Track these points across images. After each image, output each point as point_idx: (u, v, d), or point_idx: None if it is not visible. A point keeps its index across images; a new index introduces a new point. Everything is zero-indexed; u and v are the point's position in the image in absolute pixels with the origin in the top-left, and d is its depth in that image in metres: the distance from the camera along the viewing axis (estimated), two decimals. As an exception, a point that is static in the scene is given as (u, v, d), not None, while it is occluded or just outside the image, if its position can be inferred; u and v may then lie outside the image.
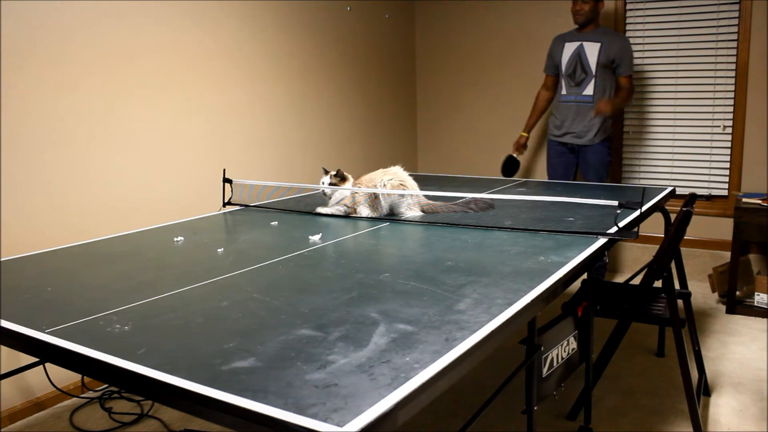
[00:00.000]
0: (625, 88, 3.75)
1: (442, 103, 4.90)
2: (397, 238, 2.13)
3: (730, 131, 3.95)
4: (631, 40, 4.14)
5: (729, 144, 3.96)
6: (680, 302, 2.38)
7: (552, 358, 1.74)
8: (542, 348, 1.67)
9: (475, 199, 2.55)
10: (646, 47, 4.11)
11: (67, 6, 2.62)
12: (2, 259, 2.01)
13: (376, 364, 1.12)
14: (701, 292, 3.86)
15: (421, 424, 2.42)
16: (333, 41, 4.09)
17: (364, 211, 2.44)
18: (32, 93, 2.54)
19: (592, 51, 3.71)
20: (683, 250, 3.57)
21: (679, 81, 4.06)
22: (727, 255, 3.84)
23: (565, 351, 1.82)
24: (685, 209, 2.21)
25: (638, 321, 2.44)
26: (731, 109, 3.92)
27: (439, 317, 1.35)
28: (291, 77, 3.78)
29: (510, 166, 4.19)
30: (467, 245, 1.97)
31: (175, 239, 2.19)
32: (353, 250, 1.99)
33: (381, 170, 2.50)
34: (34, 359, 2.17)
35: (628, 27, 4.15)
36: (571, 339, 1.87)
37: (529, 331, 1.61)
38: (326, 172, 2.56)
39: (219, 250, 2.03)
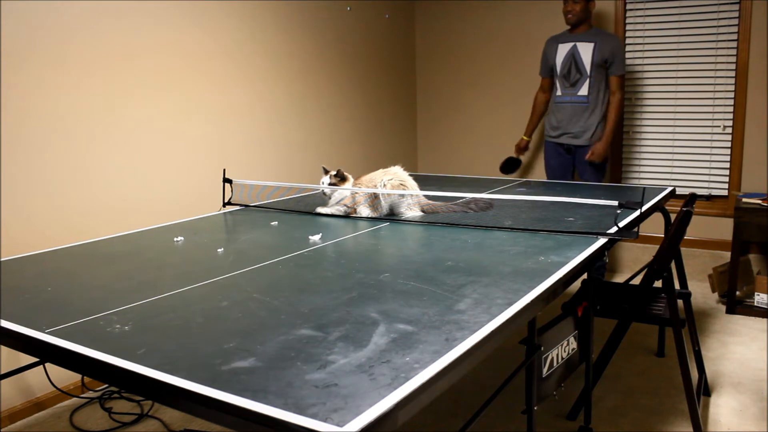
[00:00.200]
0: (614, 96, 3.74)
1: (442, 103, 4.90)
2: (397, 238, 2.13)
3: (730, 131, 3.95)
4: (631, 40, 4.15)
5: (729, 144, 3.96)
6: (680, 302, 2.38)
7: (552, 358, 1.74)
8: (542, 348, 1.66)
9: (475, 199, 2.55)
10: (646, 47, 4.11)
11: (67, 6, 2.62)
12: (2, 259, 2.01)
13: (376, 364, 1.12)
14: (701, 292, 3.86)
15: (421, 424, 2.42)
16: (333, 41, 4.09)
17: (364, 211, 2.44)
18: (32, 93, 2.54)
19: (585, 51, 3.71)
20: (683, 250, 3.57)
21: (679, 81, 4.06)
22: (727, 255, 3.84)
23: (565, 351, 1.82)
24: (685, 209, 2.21)
25: (638, 321, 2.44)
26: (731, 109, 3.92)
27: (439, 317, 1.35)
28: (291, 77, 3.78)
29: (510, 165, 4.21)
30: (467, 245, 1.97)
31: (175, 239, 2.19)
32: (353, 250, 1.99)
33: (381, 170, 2.50)
34: (34, 359, 2.17)
35: (628, 27, 4.15)
36: (571, 339, 1.87)
37: (529, 331, 1.61)
38: (326, 172, 2.56)
39: (219, 250, 2.03)
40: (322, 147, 4.08)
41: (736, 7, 3.80)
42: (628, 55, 4.17)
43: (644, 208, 2.05)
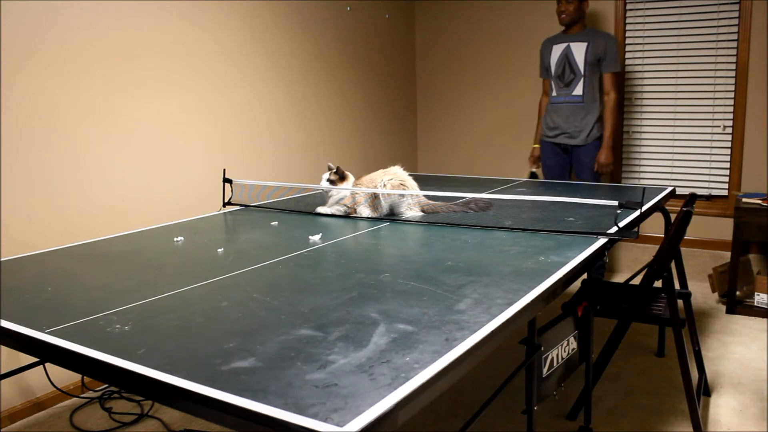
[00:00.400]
0: (609, 97, 3.72)
1: (442, 103, 4.90)
2: (397, 238, 2.13)
3: (730, 131, 3.95)
4: (631, 40, 4.15)
5: (729, 144, 3.96)
6: (680, 302, 2.38)
7: (552, 358, 1.74)
8: (542, 348, 1.66)
9: (475, 199, 2.55)
10: (646, 47, 4.11)
11: (67, 6, 2.62)
12: (2, 259, 2.01)
13: (376, 364, 1.12)
14: (701, 292, 3.86)
15: (421, 424, 2.42)
16: (333, 41, 4.09)
17: (365, 211, 2.44)
18: (32, 93, 2.54)
19: (579, 51, 3.72)
20: (683, 250, 3.57)
21: (679, 81, 4.06)
22: (727, 255, 3.84)
23: (565, 351, 1.82)
24: (685, 209, 2.21)
25: (638, 321, 2.44)
26: (731, 109, 3.93)
27: (439, 317, 1.35)
28: (291, 77, 3.78)
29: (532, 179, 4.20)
30: (467, 245, 1.97)
31: (175, 239, 2.19)
32: (353, 250, 1.99)
33: (381, 170, 2.50)
34: (34, 359, 2.17)
35: (628, 27, 4.15)
36: (571, 339, 1.87)
37: (529, 331, 1.61)
38: (329, 169, 2.57)
39: (219, 250, 2.03)
40: (322, 147, 4.08)
41: (736, 7, 3.80)
42: (628, 55, 4.17)
43: (644, 208, 2.05)
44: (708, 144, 4.04)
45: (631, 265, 4.32)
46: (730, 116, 3.94)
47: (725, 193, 4.02)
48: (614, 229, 2.05)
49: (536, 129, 4.08)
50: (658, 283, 2.28)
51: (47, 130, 2.59)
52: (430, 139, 5.01)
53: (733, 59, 3.86)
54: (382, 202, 2.42)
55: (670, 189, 2.90)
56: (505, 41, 4.57)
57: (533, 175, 4.09)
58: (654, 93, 4.15)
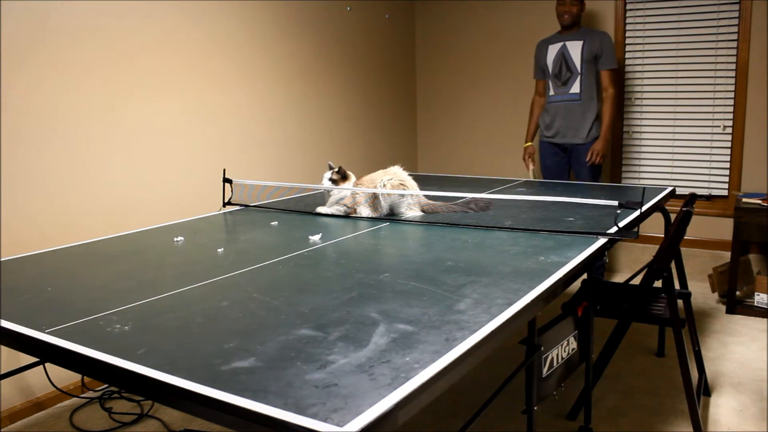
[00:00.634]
0: (607, 92, 3.73)
1: (442, 103, 4.90)
2: (397, 238, 2.13)
3: (730, 131, 3.95)
4: (631, 40, 4.15)
5: (729, 144, 3.96)
6: (680, 302, 2.38)
7: (552, 358, 1.74)
8: (542, 348, 1.66)
9: (475, 199, 2.55)
10: (646, 47, 4.11)
11: (67, 6, 2.62)
12: (2, 259, 2.01)
13: (376, 364, 1.12)
14: (701, 292, 3.86)
15: (421, 424, 2.42)
16: (333, 41, 4.09)
17: (365, 211, 2.44)
18: (32, 93, 2.54)
19: (575, 49, 3.73)
20: (683, 250, 3.57)
21: (679, 81, 4.06)
22: (727, 255, 3.83)
23: (565, 351, 1.82)
24: (685, 209, 2.21)
25: (638, 321, 2.44)
26: (731, 109, 3.92)
27: (439, 317, 1.35)
28: (291, 77, 3.78)
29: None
30: (467, 245, 1.97)
31: (175, 239, 2.19)
32: (353, 250, 1.99)
33: (381, 171, 2.50)
34: (34, 359, 2.17)
35: (628, 27, 4.15)
36: (571, 339, 1.87)
37: (529, 331, 1.61)
38: (330, 168, 2.57)
39: (219, 250, 2.03)
40: (322, 147, 4.08)
41: (736, 7, 3.80)
42: (627, 55, 4.17)
43: (644, 208, 2.05)
44: (708, 144, 4.04)
45: (631, 265, 4.32)
46: (730, 116, 3.94)
47: (725, 193, 4.02)
48: (614, 229, 2.05)
49: (528, 128, 4.09)
50: (658, 283, 2.28)
51: (47, 130, 2.59)
52: (430, 139, 5.01)
53: (733, 59, 3.86)
54: (382, 202, 2.42)
55: (670, 189, 2.90)
56: (505, 41, 4.57)
57: (535, 174, 4.09)
58: (654, 93, 4.15)
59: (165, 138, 3.06)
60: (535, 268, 1.69)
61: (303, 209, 2.65)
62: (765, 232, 3.45)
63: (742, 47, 3.81)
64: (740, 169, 3.94)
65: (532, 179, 3.87)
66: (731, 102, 3.91)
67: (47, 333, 1.34)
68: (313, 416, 0.94)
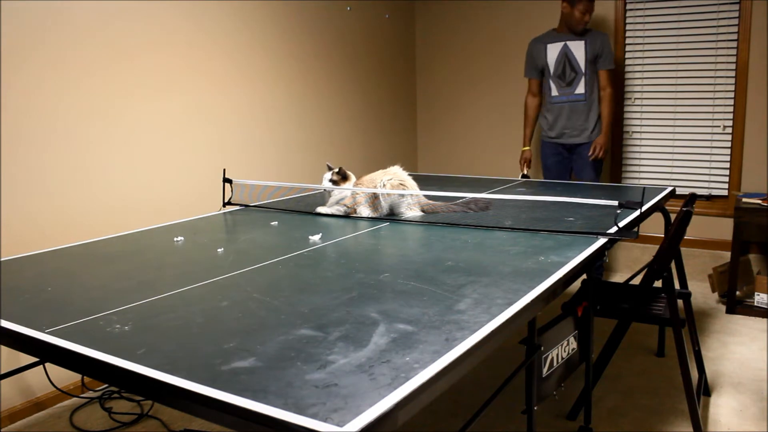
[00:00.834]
0: (606, 91, 3.75)
1: (442, 103, 4.90)
2: (397, 238, 2.13)
3: (730, 131, 3.95)
4: (631, 40, 4.15)
5: (729, 144, 3.96)
6: (680, 302, 2.38)
7: (552, 358, 1.74)
8: (542, 348, 1.66)
9: (475, 199, 2.55)
10: (646, 47, 4.11)
11: (67, 6, 2.62)
12: (2, 259, 2.01)
13: (376, 364, 1.12)
14: (701, 292, 3.86)
15: (421, 424, 2.42)
16: (333, 41, 4.09)
17: (365, 211, 2.44)
18: (32, 93, 2.54)
19: (577, 49, 3.71)
20: (683, 250, 3.57)
21: (679, 81, 4.06)
22: (727, 255, 3.83)
23: (565, 351, 1.82)
24: (685, 209, 2.21)
25: (638, 321, 2.44)
26: (731, 109, 3.92)
27: (439, 317, 1.35)
28: (291, 77, 3.78)
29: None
30: (467, 245, 1.97)
31: (175, 239, 2.19)
32: (353, 250, 1.99)
33: (381, 171, 2.50)
34: (34, 359, 2.17)
35: (628, 27, 4.15)
36: (571, 339, 1.87)
37: (529, 331, 1.61)
38: (329, 169, 2.57)
39: (219, 250, 2.03)
40: (322, 147, 4.08)
41: (736, 7, 3.80)
42: (627, 55, 4.17)
43: (644, 208, 2.05)
44: (708, 144, 4.04)
45: (631, 265, 4.32)
46: (730, 116, 3.94)
47: (725, 193, 4.02)
48: (614, 229, 2.05)
49: (525, 131, 4.01)
50: (658, 283, 2.28)
51: (47, 130, 2.59)
52: (430, 139, 5.01)
53: (733, 59, 3.86)
54: (382, 202, 2.42)
55: (670, 189, 2.90)
56: (505, 41, 4.57)
57: (525, 177, 4.08)
58: (654, 93, 4.15)
59: (165, 138, 3.06)
60: (535, 268, 1.69)
61: (303, 209, 2.65)
62: (765, 232, 3.45)
63: (742, 47, 3.81)
64: (740, 169, 3.94)
65: (519, 180, 3.89)
66: (731, 102, 3.91)
67: (47, 333, 1.34)
68: (313, 416, 0.94)
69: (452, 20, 4.75)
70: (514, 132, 4.57)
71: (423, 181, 2.75)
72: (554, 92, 3.83)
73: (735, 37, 3.84)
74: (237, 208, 2.78)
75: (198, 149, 3.24)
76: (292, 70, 3.79)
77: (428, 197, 2.51)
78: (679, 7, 3.97)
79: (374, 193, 2.43)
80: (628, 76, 4.19)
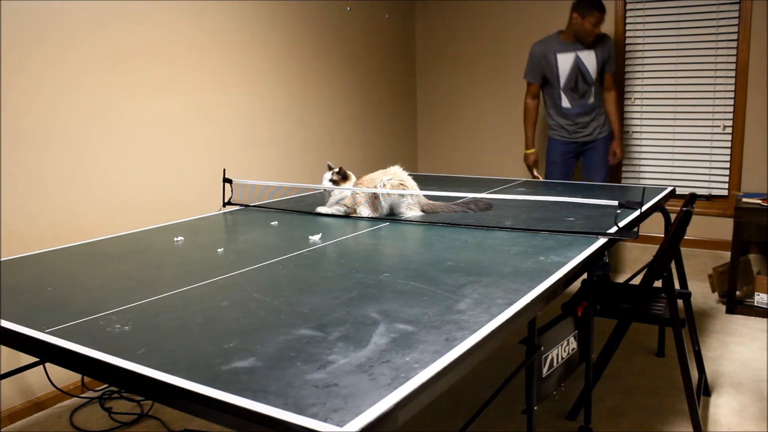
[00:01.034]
0: (611, 93, 3.81)
1: (442, 103, 4.91)
2: (397, 238, 2.13)
3: (730, 131, 3.95)
4: (631, 40, 4.15)
5: (729, 144, 3.96)
6: (680, 302, 2.38)
7: (552, 358, 1.74)
8: (542, 348, 1.67)
9: (475, 199, 2.55)
10: (646, 47, 4.11)
11: (67, 6, 2.62)
12: (2, 259, 2.01)
13: (376, 364, 1.12)
14: (701, 292, 3.86)
15: (421, 424, 2.42)
16: (333, 41, 4.09)
17: (365, 211, 2.44)
18: (32, 93, 2.54)
19: (589, 60, 3.69)
20: (683, 250, 3.57)
21: (679, 81, 4.06)
22: (727, 255, 3.83)
23: (565, 351, 1.82)
24: (685, 209, 2.21)
25: (638, 321, 2.44)
26: (731, 109, 3.92)
27: (439, 317, 1.35)
28: (291, 77, 3.78)
29: None
30: (467, 245, 1.97)
31: (175, 239, 2.19)
32: (353, 250, 1.99)
33: (381, 171, 2.50)
34: (34, 359, 2.17)
35: (628, 27, 4.15)
36: (571, 339, 1.87)
37: (529, 331, 1.61)
38: (330, 169, 2.57)
39: (219, 250, 2.03)
40: (322, 147, 4.08)
41: (736, 7, 3.80)
42: (628, 55, 4.17)
43: (644, 208, 2.05)
44: (708, 144, 4.04)
45: (631, 265, 4.32)
46: (730, 116, 3.94)
47: (725, 193, 4.02)
48: (614, 229, 2.05)
49: (527, 134, 3.96)
50: (658, 283, 2.28)
51: (47, 130, 2.59)
52: (430, 139, 5.01)
53: (733, 59, 3.86)
54: (383, 202, 2.42)
55: (670, 189, 2.90)
56: (506, 41, 4.57)
57: (536, 179, 4.06)
58: (654, 93, 4.15)
59: (165, 138, 3.06)
60: (535, 268, 1.69)
61: (303, 209, 2.65)
62: (765, 232, 3.45)
63: (742, 47, 3.81)
64: (740, 169, 3.94)
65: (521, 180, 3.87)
66: (731, 102, 3.91)
67: (47, 333, 1.34)
68: (313, 416, 0.94)
69: (452, 20, 4.75)
70: (514, 132, 4.57)
71: (423, 181, 2.75)
72: (565, 104, 3.78)
73: (735, 37, 3.84)
74: (237, 208, 2.78)
75: (198, 149, 3.24)
76: (292, 70, 3.79)
77: (428, 197, 2.51)
78: (679, 7, 3.98)
79: (374, 193, 2.43)
80: (628, 76, 4.19)
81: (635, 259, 4.30)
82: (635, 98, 4.19)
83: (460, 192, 2.65)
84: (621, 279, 4.13)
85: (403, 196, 2.41)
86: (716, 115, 3.99)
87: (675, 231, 2.24)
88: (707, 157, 4.05)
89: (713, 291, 3.78)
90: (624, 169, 4.32)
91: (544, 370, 1.69)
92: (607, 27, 4.15)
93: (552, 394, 1.76)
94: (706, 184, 4.08)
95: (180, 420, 2.50)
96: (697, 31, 3.95)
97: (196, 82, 3.20)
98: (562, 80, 3.75)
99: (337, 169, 2.54)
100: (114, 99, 2.83)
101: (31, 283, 1.72)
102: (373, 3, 4.43)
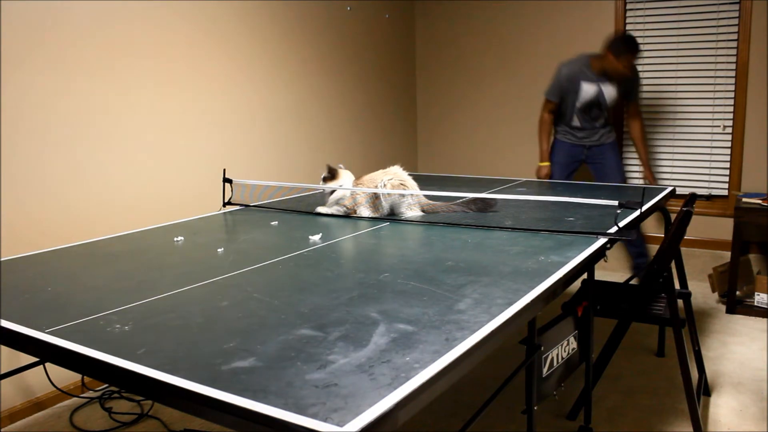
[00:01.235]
0: (638, 122, 3.85)
1: (442, 103, 4.91)
2: (397, 238, 2.13)
3: (730, 131, 3.95)
4: (631, 40, 4.16)
5: (729, 144, 3.96)
6: (680, 302, 2.38)
7: (552, 358, 1.74)
8: (542, 348, 1.67)
9: (475, 199, 2.55)
10: (646, 47, 4.11)
11: (68, 6, 2.62)
12: (2, 259, 2.01)
13: (376, 364, 1.12)
14: (701, 292, 3.86)
15: (421, 424, 2.42)
16: (333, 41, 4.09)
17: (365, 212, 2.44)
18: (33, 92, 2.54)
19: (609, 91, 3.69)
20: (683, 250, 3.57)
21: (679, 81, 4.06)
22: (727, 255, 3.83)
23: (565, 351, 1.82)
24: (685, 209, 2.21)
25: (638, 321, 2.44)
26: (731, 109, 3.93)
27: (439, 317, 1.35)
28: (291, 77, 3.78)
29: None
30: (467, 245, 1.97)
31: (175, 239, 2.19)
32: (353, 250, 1.99)
33: (381, 171, 2.50)
34: (34, 359, 2.17)
35: (628, 27, 4.15)
36: (571, 339, 1.87)
37: (529, 331, 1.61)
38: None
39: (219, 250, 2.03)
40: (322, 147, 4.08)
41: (736, 7, 3.80)
42: (627, 55, 4.17)
43: (644, 208, 2.05)
44: (708, 144, 4.04)
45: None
46: (730, 116, 3.94)
47: (725, 193, 4.02)
48: (614, 229, 2.05)
49: (541, 146, 3.89)
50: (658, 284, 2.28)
51: (47, 130, 2.59)
52: (430, 139, 5.01)
53: (733, 59, 3.86)
54: (383, 202, 2.42)
55: (670, 189, 2.90)
56: (505, 41, 4.57)
57: None
58: (654, 93, 4.14)
59: (165, 138, 3.06)
60: (535, 268, 1.69)
61: (303, 209, 2.65)
62: (765, 232, 3.45)
63: (742, 47, 3.81)
64: (740, 169, 3.94)
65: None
66: (731, 102, 3.91)
67: (47, 333, 1.34)
68: (313, 416, 0.94)
69: (452, 20, 4.75)
70: (514, 132, 4.58)
71: (423, 181, 2.75)
72: (576, 123, 3.79)
73: (735, 37, 3.84)
74: (237, 208, 2.78)
75: (198, 149, 3.24)
76: (293, 70, 3.79)
77: (428, 197, 2.51)
78: (679, 7, 3.98)
79: (375, 194, 2.43)
80: (628, 76, 4.19)
81: (635, 259, 4.30)
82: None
83: (460, 192, 2.65)
84: (621, 279, 4.13)
85: (403, 196, 2.41)
86: (716, 115, 3.99)
87: (675, 231, 2.24)
88: (707, 157, 4.06)
89: (713, 291, 3.77)
90: (624, 169, 4.31)
91: (544, 370, 1.69)
92: (607, 27, 4.15)
93: (552, 394, 1.76)
94: (706, 184, 4.08)
95: (180, 420, 2.50)
96: (697, 31, 3.95)
97: (197, 82, 3.20)
98: (579, 104, 3.74)
99: (327, 170, 2.55)
100: (114, 99, 2.83)
101: (31, 283, 1.72)
102: (373, 3, 4.43)
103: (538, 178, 3.96)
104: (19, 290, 1.66)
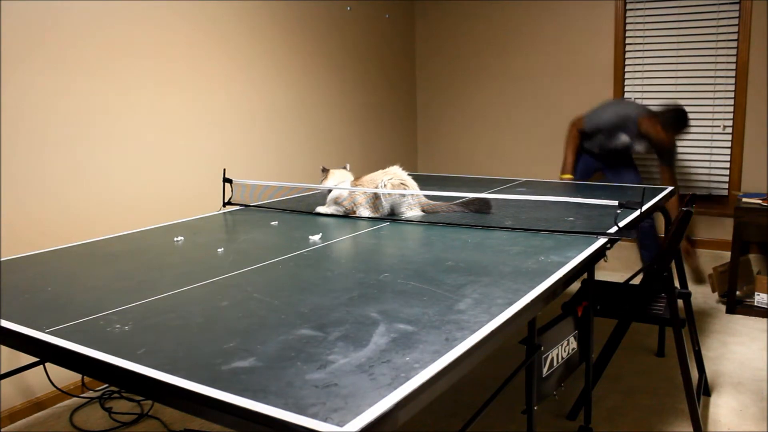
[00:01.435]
0: (669, 184, 3.67)
1: (442, 103, 4.91)
2: (397, 238, 2.13)
3: (730, 131, 3.95)
4: (631, 40, 4.15)
5: (729, 144, 3.96)
6: (680, 302, 2.38)
7: (552, 358, 1.74)
8: (542, 348, 1.67)
9: (475, 199, 2.55)
10: (646, 47, 4.11)
11: (67, 6, 2.62)
12: (2, 259, 2.01)
13: (376, 364, 1.12)
14: (701, 292, 3.86)
15: (421, 424, 2.42)
16: (333, 41, 4.09)
17: (365, 212, 2.44)
18: (32, 92, 2.54)
19: (641, 148, 3.64)
20: (683, 250, 3.56)
21: (679, 81, 4.06)
22: (727, 255, 3.83)
23: (565, 351, 1.82)
24: (685, 209, 2.21)
25: (638, 321, 2.44)
26: (731, 109, 3.93)
27: (439, 317, 1.35)
28: (291, 77, 3.78)
29: None
30: (467, 245, 1.97)
31: (175, 239, 2.19)
32: (353, 250, 1.99)
33: (381, 171, 2.50)
34: (34, 359, 2.17)
35: (628, 27, 4.15)
36: (571, 339, 1.87)
37: (529, 331, 1.61)
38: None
39: (219, 250, 2.03)
40: (322, 147, 4.08)
41: (736, 7, 3.81)
42: (628, 55, 4.17)
43: (644, 208, 2.05)
44: (708, 144, 4.04)
45: (631, 265, 4.32)
46: (730, 116, 3.94)
47: (725, 193, 4.02)
48: (614, 229, 2.05)
49: (566, 158, 3.79)
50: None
51: (47, 130, 2.59)
52: (430, 139, 5.01)
53: (733, 59, 3.86)
54: (383, 202, 2.42)
55: (670, 189, 2.90)
56: (505, 41, 4.57)
57: None
58: (654, 93, 4.15)
59: (165, 138, 3.06)
60: (535, 268, 1.69)
61: (303, 209, 2.65)
62: (765, 232, 3.45)
63: (742, 47, 3.81)
64: (740, 169, 3.94)
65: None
66: (731, 102, 3.91)
67: (47, 333, 1.34)
68: (313, 416, 0.94)
69: (452, 20, 4.75)
70: (514, 132, 4.57)
71: (423, 181, 2.75)
72: (595, 150, 3.73)
73: (735, 37, 3.84)
74: (237, 208, 2.78)
75: (198, 149, 3.24)
76: (293, 70, 3.79)
77: (428, 197, 2.51)
78: (679, 7, 3.98)
79: (375, 194, 2.43)
80: (628, 76, 4.19)
81: (635, 259, 4.30)
82: (635, 98, 4.19)
83: (460, 192, 2.65)
84: (621, 279, 4.13)
85: (403, 196, 2.41)
86: (716, 115, 3.99)
87: (675, 231, 2.24)
88: (707, 157, 4.06)
89: (713, 291, 3.77)
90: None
91: (544, 370, 1.69)
92: (607, 27, 4.16)
93: (552, 394, 1.76)
94: (706, 184, 4.08)
95: (180, 420, 2.50)
96: (697, 31, 3.95)
97: (197, 82, 3.20)
98: (608, 145, 3.67)
99: (322, 170, 2.58)
100: (114, 99, 2.83)
101: (31, 283, 1.72)
102: (373, 3, 4.43)
103: None
104: (19, 290, 1.66)
